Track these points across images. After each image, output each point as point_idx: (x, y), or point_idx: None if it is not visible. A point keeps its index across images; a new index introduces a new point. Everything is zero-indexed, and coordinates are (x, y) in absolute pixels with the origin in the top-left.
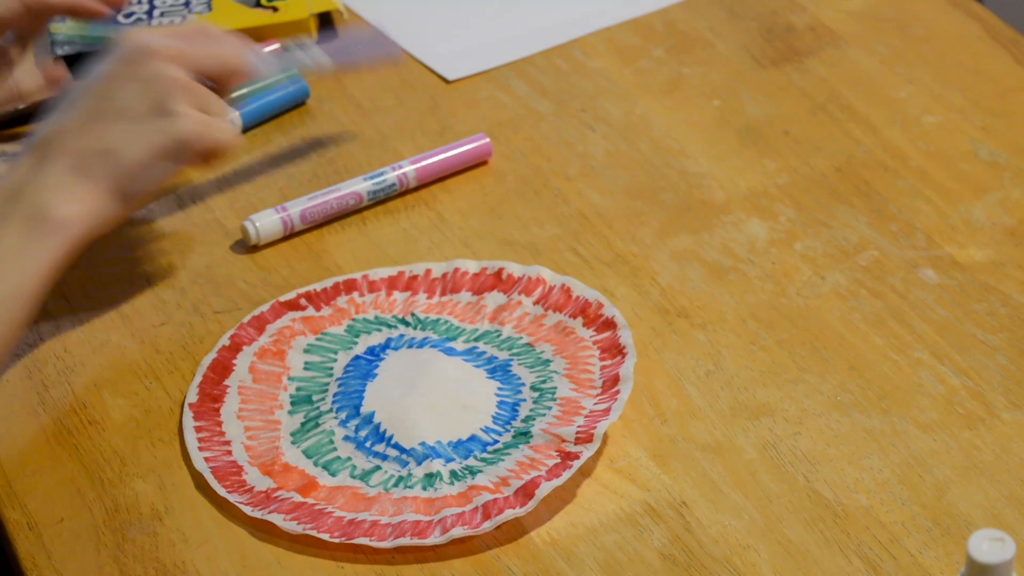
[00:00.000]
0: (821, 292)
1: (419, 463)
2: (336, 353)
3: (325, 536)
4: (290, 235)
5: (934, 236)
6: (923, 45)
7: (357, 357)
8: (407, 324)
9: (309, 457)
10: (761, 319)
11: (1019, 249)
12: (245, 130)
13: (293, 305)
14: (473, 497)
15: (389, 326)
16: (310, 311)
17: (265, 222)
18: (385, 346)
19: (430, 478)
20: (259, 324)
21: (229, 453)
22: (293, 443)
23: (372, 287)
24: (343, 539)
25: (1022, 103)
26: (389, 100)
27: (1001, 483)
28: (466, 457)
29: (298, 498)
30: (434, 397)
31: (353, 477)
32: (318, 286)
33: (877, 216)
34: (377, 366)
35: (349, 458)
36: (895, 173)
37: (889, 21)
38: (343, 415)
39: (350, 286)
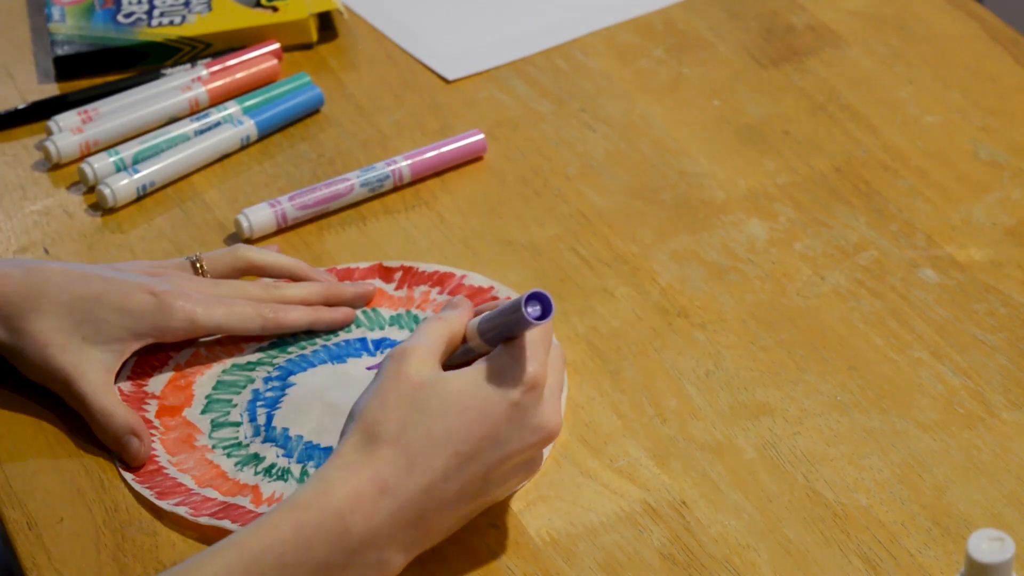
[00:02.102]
0: (821, 292)
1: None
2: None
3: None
4: (285, 229)
5: (934, 236)
6: (923, 45)
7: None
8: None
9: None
10: (761, 319)
11: (1019, 249)
12: (261, 138)
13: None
14: None
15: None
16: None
17: (258, 215)
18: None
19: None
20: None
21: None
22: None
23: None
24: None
25: (1022, 103)
26: (389, 100)
27: (1001, 483)
28: None
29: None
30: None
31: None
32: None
33: (877, 216)
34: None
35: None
36: (895, 173)
37: (889, 21)
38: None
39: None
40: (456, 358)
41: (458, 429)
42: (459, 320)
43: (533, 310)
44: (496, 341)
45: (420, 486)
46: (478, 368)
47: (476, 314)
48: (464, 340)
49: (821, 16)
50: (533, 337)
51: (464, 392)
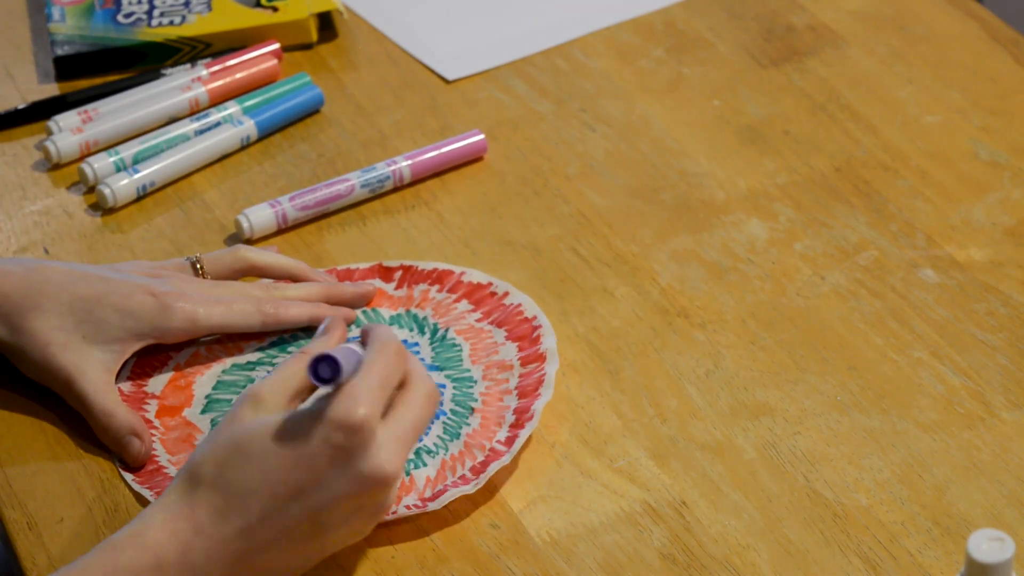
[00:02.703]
0: (821, 292)
1: None
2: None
3: None
4: (285, 229)
5: (934, 236)
6: (923, 45)
7: None
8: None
9: None
10: (761, 319)
11: (1019, 249)
12: (261, 138)
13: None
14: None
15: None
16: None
17: (258, 215)
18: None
19: None
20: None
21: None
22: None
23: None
24: None
25: (1022, 103)
26: (389, 100)
27: (1001, 483)
28: None
29: None
30: None
31: None
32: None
33: (877, 216)
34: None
35: None
36: (895, 173)
37: (889, 21)
38: None
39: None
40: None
41: (275, 471)
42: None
43: (325, 371)
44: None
45: (235, 527)
46: (304, 409)
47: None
48: None
49: (821, 16)
50: (368, 377)
51: (284, 433)
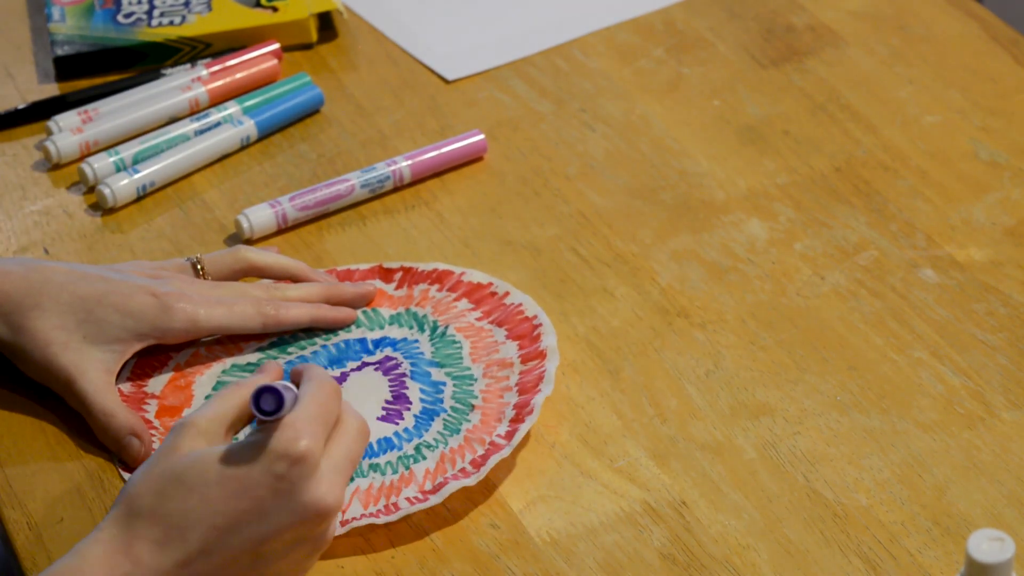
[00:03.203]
0: (821, 292)
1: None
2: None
3: None
4: (285, 229)
5: (934, 236)
6: (923, 45)
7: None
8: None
9: None
10: (761, 319)
11: (1019, 249)
12: (261, 138)
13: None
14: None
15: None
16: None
17: (258, 215)
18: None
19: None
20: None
21: None
22: None
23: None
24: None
25: (1022, 103)
26: (389, 100)
27: (1001, 483)
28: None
29: None
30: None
31: None
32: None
33: (877, 216)
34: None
35: None
36: (895, 173)
37: (889, 21)
38: None
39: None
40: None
41: (216, 501)
42: (255, 386)
43: (267, 403)
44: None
45: (174, 560)
46: (246, 440)
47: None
48: None
49: (821, 16)
50: (308, 411)
51: (226, 464)
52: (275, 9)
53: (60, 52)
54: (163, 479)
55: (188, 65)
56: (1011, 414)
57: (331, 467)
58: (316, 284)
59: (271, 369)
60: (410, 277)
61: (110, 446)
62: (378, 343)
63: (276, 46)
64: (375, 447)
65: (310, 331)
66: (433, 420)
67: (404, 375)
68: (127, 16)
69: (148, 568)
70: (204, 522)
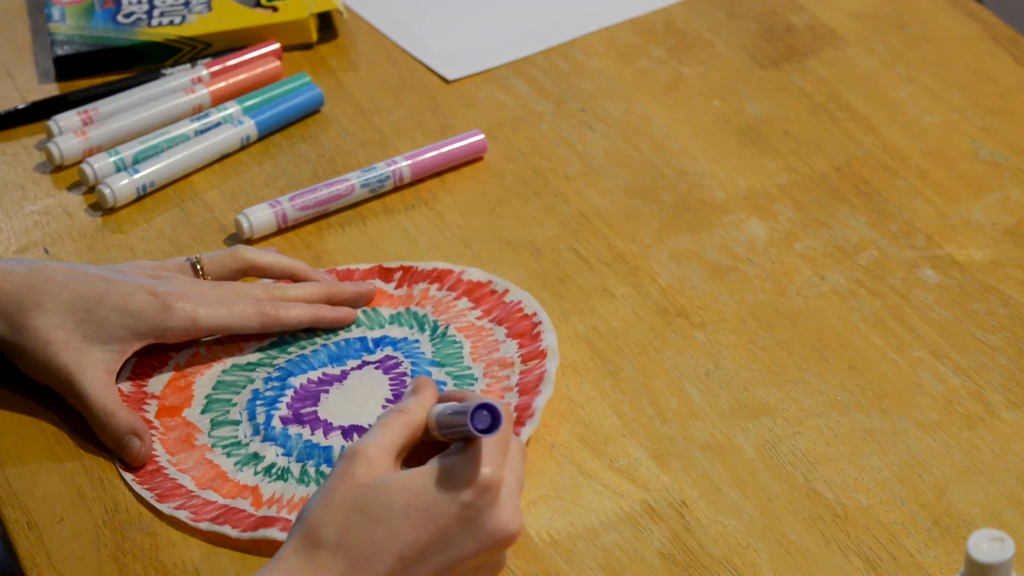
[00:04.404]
0: (821, 292)
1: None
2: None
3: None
4: (285, 229)
5: (934, 236)
6: (923, 45)
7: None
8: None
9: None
10: (761, 319)
11: (1019, 249)
12: (261, 138)
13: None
14: None
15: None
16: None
17: (258, 215)
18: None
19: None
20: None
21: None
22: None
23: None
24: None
25: (1022, 103)
26: (389, 100)
27: (1001, 483)
28: None
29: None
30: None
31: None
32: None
33: (877, 216)
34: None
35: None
36: (895, 173)
37: (889, 21)
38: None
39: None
40: (423, 446)
41: (403, 532)
42: (419, 410)
43: (481, 422)
44: (454, 438)
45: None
46: (428, 468)
47: (444, 398)
48: (426, 430)
49: (821, 16)
50: (491, 439)
51: (411, 494)
52: (275, 9)
53: (60, 52)
54: (345, 510)
55: (188, 65)
56: (1011, 414)
57: (509, 492)
58: (316, 284)
59: (428, 387)
60: (410, 276)
61: (110, 446)
62: (378, 342)
63: (276, 46)
64: None
65: (310, 330)
66: None
67: (405, 374)
68: (127, 16)
69: None
70: (391, 553)
